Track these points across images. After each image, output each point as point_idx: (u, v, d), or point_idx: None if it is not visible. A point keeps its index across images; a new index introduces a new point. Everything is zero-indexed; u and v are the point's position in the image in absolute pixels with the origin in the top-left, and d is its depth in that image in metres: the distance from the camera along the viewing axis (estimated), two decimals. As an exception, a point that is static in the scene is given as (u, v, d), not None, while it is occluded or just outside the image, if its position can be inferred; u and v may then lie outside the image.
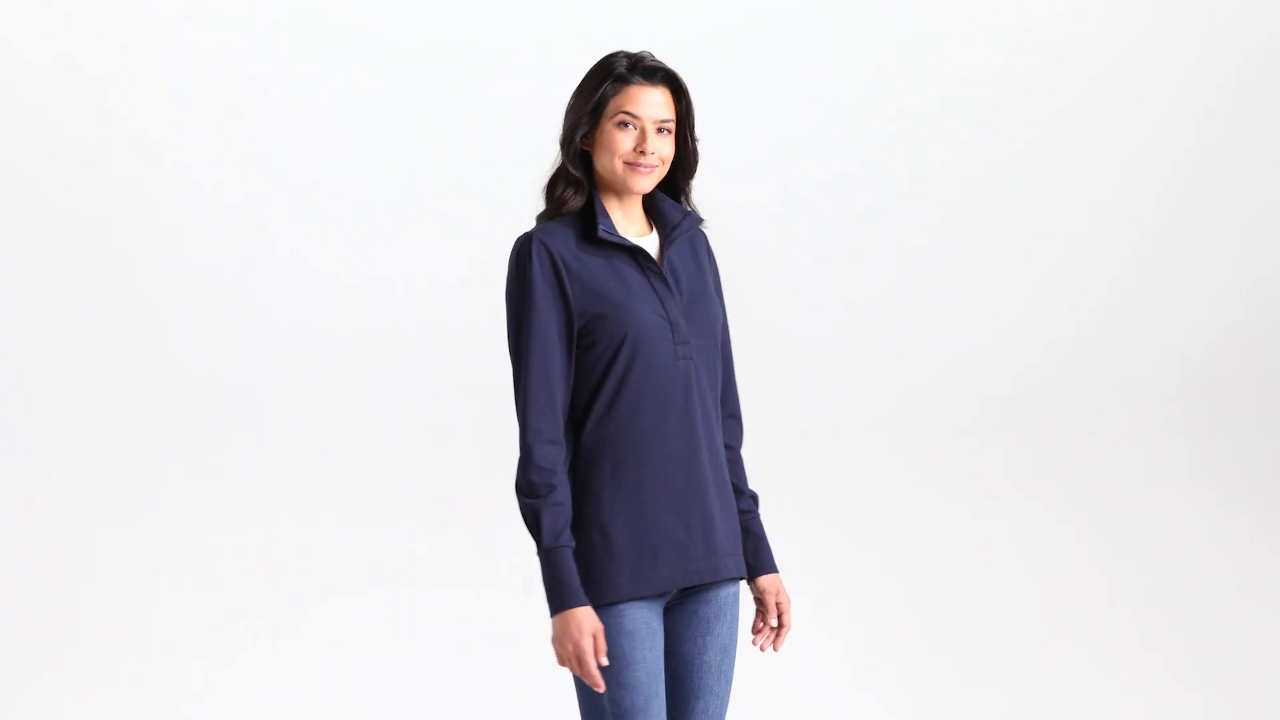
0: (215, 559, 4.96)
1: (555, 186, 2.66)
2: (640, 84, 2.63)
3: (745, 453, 2.82)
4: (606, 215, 2.64)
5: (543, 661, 2.59)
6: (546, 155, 2.74)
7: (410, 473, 5.16)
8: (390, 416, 5.24)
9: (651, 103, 2.63)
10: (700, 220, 2.73)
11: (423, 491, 5.13)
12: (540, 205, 2.72)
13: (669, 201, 2.72)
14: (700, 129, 2.72)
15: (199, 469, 5.10)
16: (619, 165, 2.63)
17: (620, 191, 2.67)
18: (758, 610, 2.76)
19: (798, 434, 5.38)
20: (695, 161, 2.72)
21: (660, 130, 2.64)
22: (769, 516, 5.37)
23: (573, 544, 2.55)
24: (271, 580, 4.90)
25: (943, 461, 5.46)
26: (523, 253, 2.59)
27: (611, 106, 2.62)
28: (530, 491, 2.53)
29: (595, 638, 2.52)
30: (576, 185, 2.64)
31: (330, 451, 5.19)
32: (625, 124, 2.62)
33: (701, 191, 2.75)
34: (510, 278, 2.60)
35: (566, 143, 2.65)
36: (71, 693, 4.47)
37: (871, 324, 5.53)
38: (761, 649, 2.75)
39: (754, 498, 2.80)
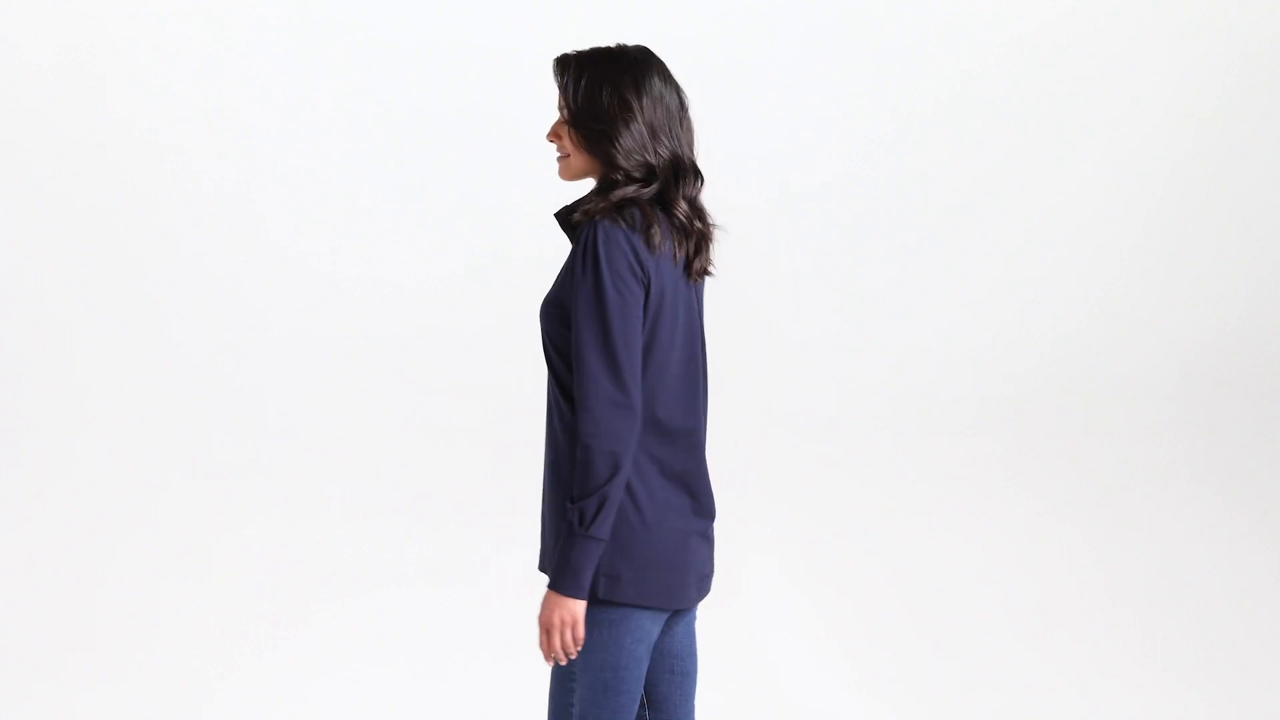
0: (215, 559, 4.96)
1: None
2: None
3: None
4: None
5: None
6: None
7: (410, 473, 5.16)
8: (390, 416, 5.24)
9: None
10: (570, 214, 2.54)
11: (423, 491, 5.13)
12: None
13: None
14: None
15: (199, 469, 5.10)
16: None
17: None
18: None
19: (798, 433, 5.38)
20: (601, 143, 2.51)
21: (560, 119, 2.57)
22: (770, 515, 5.37)
23: None
24: (271, 580, 4.90)
25: (943, 461, 5.46)
26: None
27: None
28: None
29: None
30: None
31: (330, 451, 5.19)
32: None
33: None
34: None
35: None
36: (71, 693, 4.47)
37: (871, 324, 5.53)
38: None
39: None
